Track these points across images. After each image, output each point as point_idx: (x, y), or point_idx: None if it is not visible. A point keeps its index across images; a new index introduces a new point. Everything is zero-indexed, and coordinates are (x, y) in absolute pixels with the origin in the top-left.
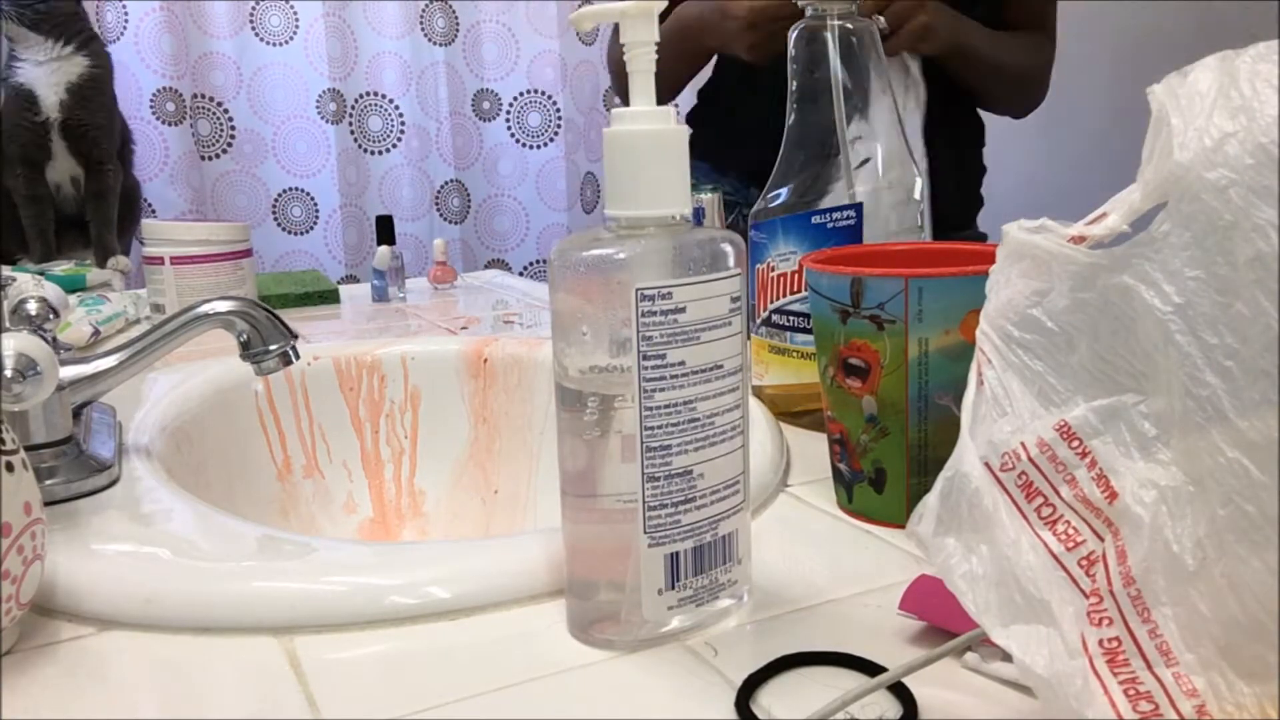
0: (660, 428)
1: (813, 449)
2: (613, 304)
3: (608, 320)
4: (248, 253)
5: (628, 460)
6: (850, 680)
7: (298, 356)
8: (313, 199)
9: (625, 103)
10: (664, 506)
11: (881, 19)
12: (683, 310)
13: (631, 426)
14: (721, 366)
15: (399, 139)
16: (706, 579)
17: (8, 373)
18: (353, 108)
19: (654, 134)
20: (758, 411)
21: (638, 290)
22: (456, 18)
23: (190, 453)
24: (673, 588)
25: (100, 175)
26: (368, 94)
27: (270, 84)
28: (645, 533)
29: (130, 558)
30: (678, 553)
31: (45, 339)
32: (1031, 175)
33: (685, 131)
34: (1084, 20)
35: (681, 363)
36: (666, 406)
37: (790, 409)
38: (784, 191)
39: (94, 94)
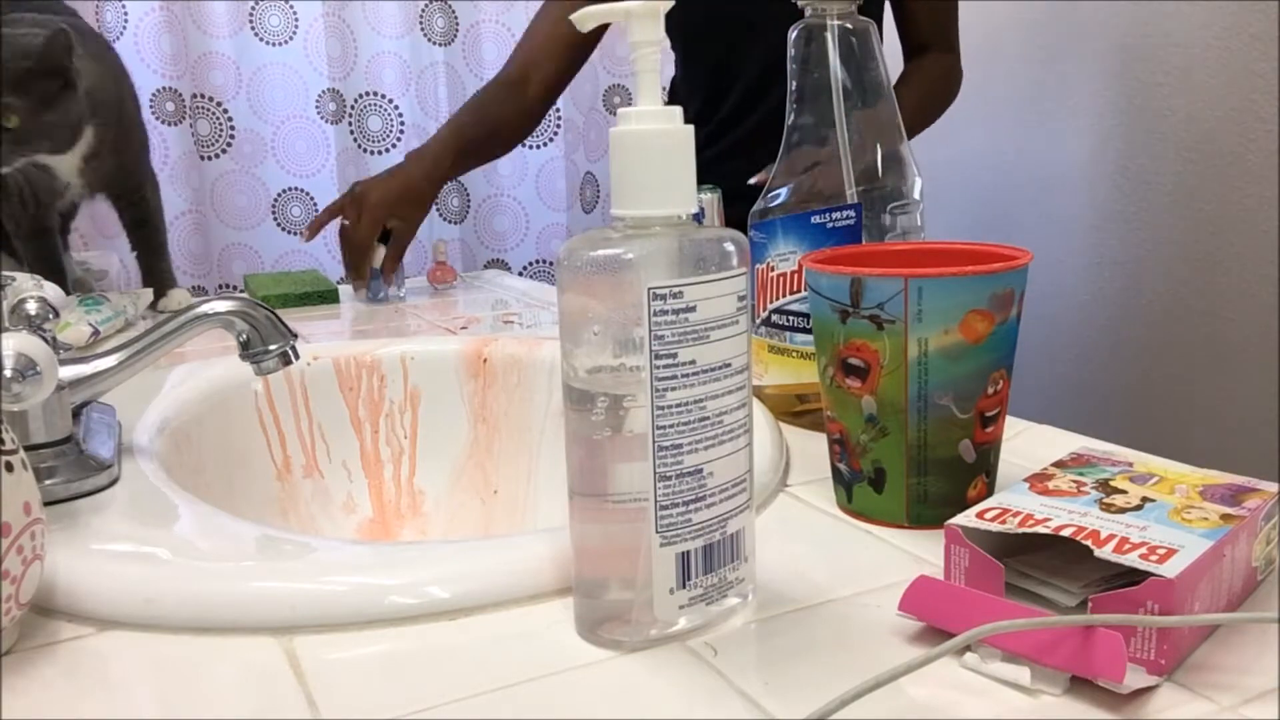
0: (672, 426)
1: (813, 449)
2: (622, 303)
3: (618, 320)
4: None
5: (637, 459)
6: (850, 680)
7: (297, 356)
8: (312, 199)
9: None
10: (675, 505)
11: None
12: (693, 309)
13: (641, 425)
14: (730, 365)
15: (399, 139)
16: (716, 577)
17: (7, 373)
18: (352, 108)
19: (660, 133)
20: (757, 411)
21: (650, 289)
22: (456, 18)
23: (190, 453)
24: (684, 587)
25: (138, 203)
26: (367, 94)
27: (270, 84)
28: (657, 532)
29: (130, 558)
30: (688, 551)
31: (45, 339)
32: (1031, 170)
33: (691, 131)
34: (1085, 19)
35: (692, 361)
36: (678, 405)
37: (790, 409)
38: (783, 192)
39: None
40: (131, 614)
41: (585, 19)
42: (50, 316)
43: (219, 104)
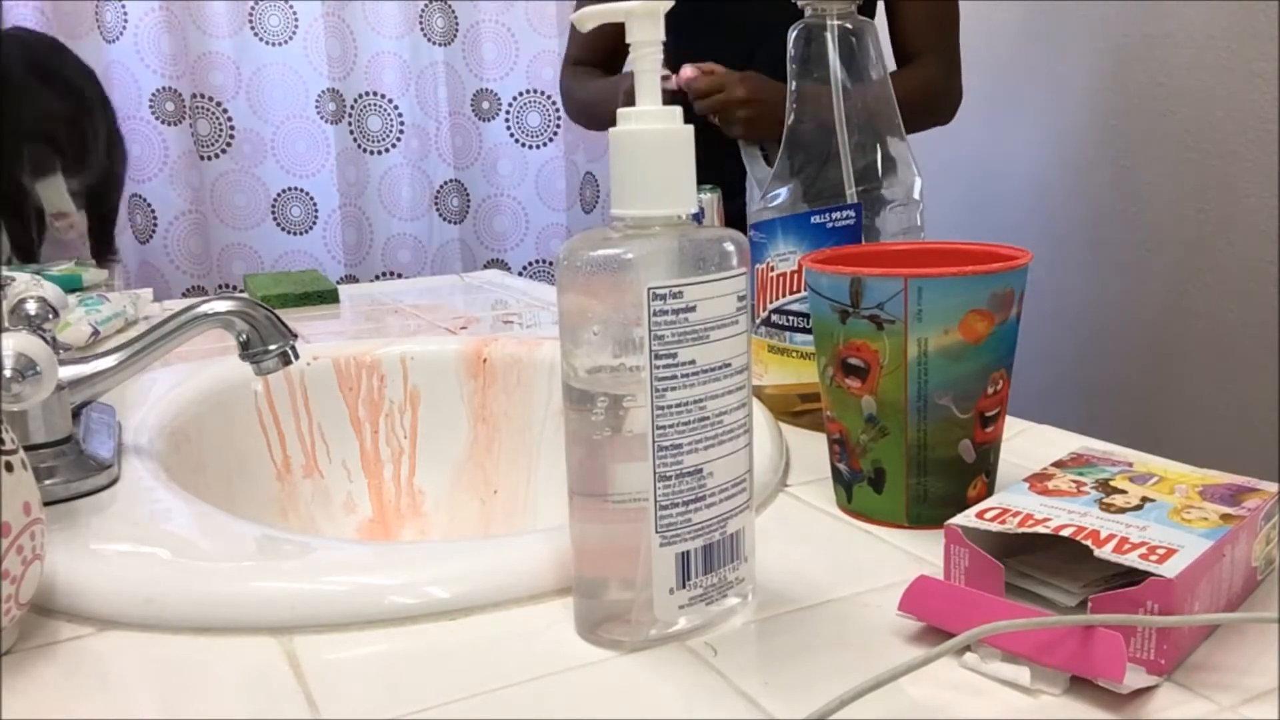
0: (672, 426)
1: (812, 449)
2: (622, 303)
3: (617, 320)
4: None
5: (637, 459)
6: (850, 679)
7: (297, 356)
8: (312, 199)
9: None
10: (675, 505)
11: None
12: (693, 309)
13: (641, 426)
14: (729, 365)
15: (398, 139)
16: (715, 577)
17: (7, 373)
18: (352, 107)
19: (660, 133)
20: (757, 411)
21: (650, 289)
22: (456, 18)
23: (189, 453)
24: (683, 587)
25: None
26: (367, 94)
27: (269, 84)
28: (657, 532)
29: (130, 558)
30: (688, 551)
31: (45, 339)
32: (1031, 170)
33: (691, 130)
34: (1085, 19)
35: (692, 361)
36: (677, 405)
37: (790, 409)
38: (783, 192)
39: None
40: (131, 614)
41: (585, 19)
42: (50, 316)
43: (219, 104)
